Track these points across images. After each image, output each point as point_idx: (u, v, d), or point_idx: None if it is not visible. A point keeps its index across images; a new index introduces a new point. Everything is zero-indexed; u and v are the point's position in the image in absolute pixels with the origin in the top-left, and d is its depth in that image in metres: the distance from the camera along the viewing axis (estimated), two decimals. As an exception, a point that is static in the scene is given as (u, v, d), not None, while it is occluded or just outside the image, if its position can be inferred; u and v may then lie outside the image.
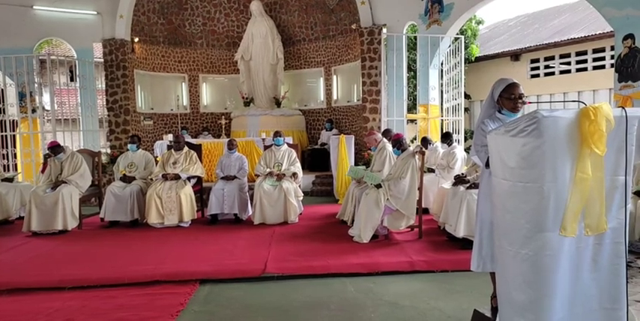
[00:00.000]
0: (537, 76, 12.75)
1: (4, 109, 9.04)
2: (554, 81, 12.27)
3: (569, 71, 12.05)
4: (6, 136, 8.90)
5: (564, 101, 11.79)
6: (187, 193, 6.06)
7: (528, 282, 2.01)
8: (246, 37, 10.83)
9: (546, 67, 12.57)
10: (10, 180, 6.95)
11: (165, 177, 6.11)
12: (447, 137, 6.62)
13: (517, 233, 2.04)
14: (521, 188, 2.02)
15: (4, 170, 7.88)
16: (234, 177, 6.32)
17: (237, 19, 11.40)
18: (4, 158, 8.87)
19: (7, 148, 8.89)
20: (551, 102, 11.93)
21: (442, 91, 9.26)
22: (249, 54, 10.81)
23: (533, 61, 12.81)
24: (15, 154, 9.08)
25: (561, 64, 12.24)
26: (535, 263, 2.00)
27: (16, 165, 9.04)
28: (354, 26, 9.74)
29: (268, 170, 6.24)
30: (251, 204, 6.27)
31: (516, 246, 2.05)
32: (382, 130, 8.11)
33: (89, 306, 3.48)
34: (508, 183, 2.07)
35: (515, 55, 12.99)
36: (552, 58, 12.38)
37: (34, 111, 9.08)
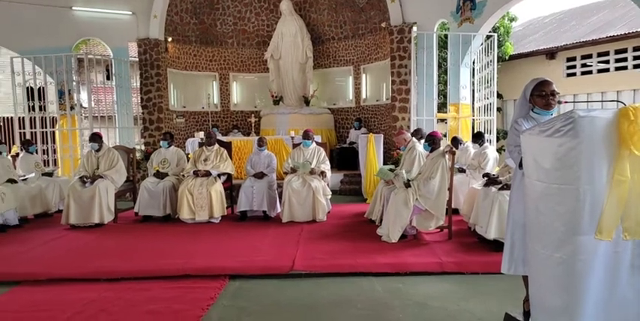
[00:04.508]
0: (574, 75, 12.37)
1: (44, 107, 9.40)
2: (592, 80, 11.89)
3: (607, 70, 11.65)
4: (46, 132, 9.26)
5: (602, 101, 11.41)
6: (218, 189, 6.17)
7: (562, 286, 1.97)
8: (275, 36, 10.91)
9: (583, 65, 12.19)
10: (49, 174, 7.23)
11: (196, 173, 6.24)
12: (478, 137, 6.52)
13: (551, 236, 2.00)
14: (556, 190, 1.97)
15: (45, 165, 8.19)
16: (263, 173, 6.39)
17: (267, 18, 11.50)
18: (44, 153, 9.22)
19: (47, 143, 9.24)
20: (588, 102, 11.58)
21: (474, 90, 9.12)
22: (278, 53, 10.89)
23: (569, 59, 12.44)
24: (55, 150, 9.43)
25: (599, 62, 11.84)
26: (569, 267, 1.95)
27: (55, 160, 9.40)
28: (383, 25, 9.68)
29: (291, 165, 6.28)
30: (280, 202, 6.33)
31: (550, 249, 2.01)
32: (412, 129, 8.06)
33: (123, 297, 3.59)
34: (542, 184, 2.03)
35: (551, 54, 12.65)
36: (590, 56, 11.99)
37: (72, 108, 9.40)
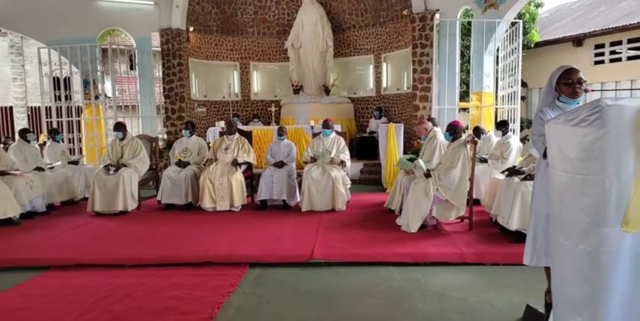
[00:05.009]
0: (602, 62, 12.01)
1: (70, 96, 9.60)
2: (621, 67, 11.51)
3: (638, 57, 11.26)
4: (72, 121, 9.47)
5: (632, 89, 11.05)
6: (238, 178, 6.23)
7: (586, 278, 1.93)
8: (296, 25, 10.86)
9: (612, 52, 11.80)
10: (75, 163, 7.40)
11: (210, 161, 6.34)
12: (502, 125, 6.41)
13: (575, 227, 1.96)
14: (581, 181, 1.93)
15: (70, 153, 8.38)
16: (282, 163, 6.42)
17: (287, 7, 11.44)
18: (70, 142, 9.44)
19: (73, 132, 9.46)
20: (616, 90, 11.24)
21: (497, 79, 8.93)
22: (299, 42, 10.85)
23: (597, 46, 12.06)
24: (80, 139, 9.65)
25: (630, 49, 11.44)
26: (594, 259, 1.91)
27: (81, 149, 9.61)
28: (405, 12, 9.52)
29: (311, 154, 6.29)
30: (299, 191, 6.36)
31: (574, 241, 1.97)
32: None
33: (147, 283, 3.67)
34: (567, 175, 1.98)
35: (578, 40, 12.28)
36: (619, 42, 11.60)
37: (96, 98, 9.58)
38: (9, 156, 6.25)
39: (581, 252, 1.94)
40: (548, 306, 2.63)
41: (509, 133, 6.32)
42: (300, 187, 6.34)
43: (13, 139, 9.60)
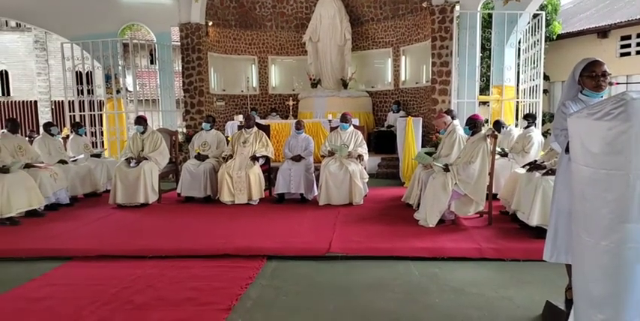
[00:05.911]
0: (628, 54, 11.67)
1: (92, 90, 9.78)
2: (649, 60, 11.19)
3: (666, 49, 10.93)
4: (94, 115, 9.64)
5: (659, 82, 10.73)
6: (256, 172, 6.27)
7: (608, 275, 1.90)
8: (314, 19, 10.81)
9: (639, 44, 11.46)
10: (97, 156, 7.55)
11: (229, 157, 6.39)
12: (529, 116, 6.33)
13: (597, 223, 1.93)
14: (604, 176, 1.89)
15: (93, 147, 8.54)
16: (300, 156, 6.43)
17: (305, 0, 11.39)
18: (92, 136, 9.63)
19: (95, 126, 9.65)
20: (643, 83, 10.92)
21: (519, 72, 8.78)
22: (317, 35, 10.81)
23: (623, 38, 11.72)
24: (102, 132, 9.83)
25: (658, 40, 11.11)
26: (616, 256, 1.88)
27: (103, 142, 9.80)
28: (424, 4, 9.39)
29: (329, 148, 6.28)
30: (317, 184, 6.37)
31: (596, 237, 1.93)
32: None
33: (167, 274, 3.74)
34: (590, 170, 1.94)
35: (603, 32, 11.95)
36: (647, 34, 11.26)
37: (118, 92, 9.74)
38: (34, 149, 6.40)
39: (603, 248, 1.90)
40: (569, 303, 2.59)
41: (531, 127, 6.21)
42: (317, 180, 6.35)
43: (38, 133, 9.83)
